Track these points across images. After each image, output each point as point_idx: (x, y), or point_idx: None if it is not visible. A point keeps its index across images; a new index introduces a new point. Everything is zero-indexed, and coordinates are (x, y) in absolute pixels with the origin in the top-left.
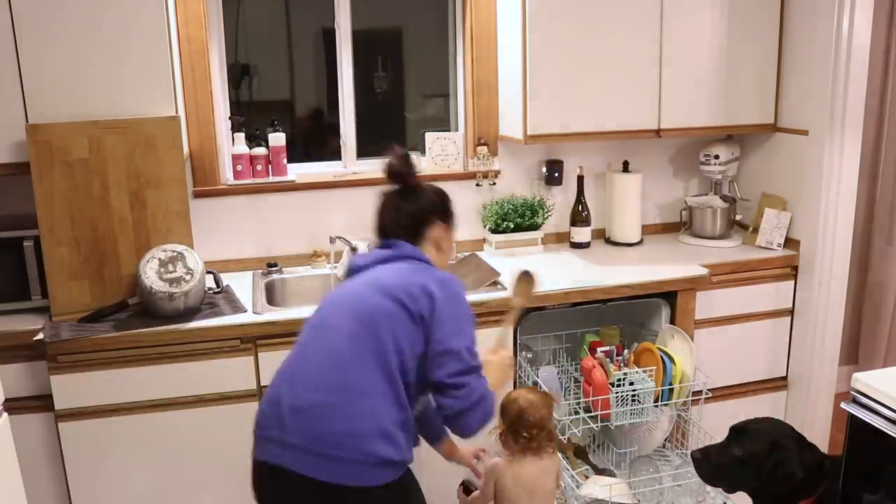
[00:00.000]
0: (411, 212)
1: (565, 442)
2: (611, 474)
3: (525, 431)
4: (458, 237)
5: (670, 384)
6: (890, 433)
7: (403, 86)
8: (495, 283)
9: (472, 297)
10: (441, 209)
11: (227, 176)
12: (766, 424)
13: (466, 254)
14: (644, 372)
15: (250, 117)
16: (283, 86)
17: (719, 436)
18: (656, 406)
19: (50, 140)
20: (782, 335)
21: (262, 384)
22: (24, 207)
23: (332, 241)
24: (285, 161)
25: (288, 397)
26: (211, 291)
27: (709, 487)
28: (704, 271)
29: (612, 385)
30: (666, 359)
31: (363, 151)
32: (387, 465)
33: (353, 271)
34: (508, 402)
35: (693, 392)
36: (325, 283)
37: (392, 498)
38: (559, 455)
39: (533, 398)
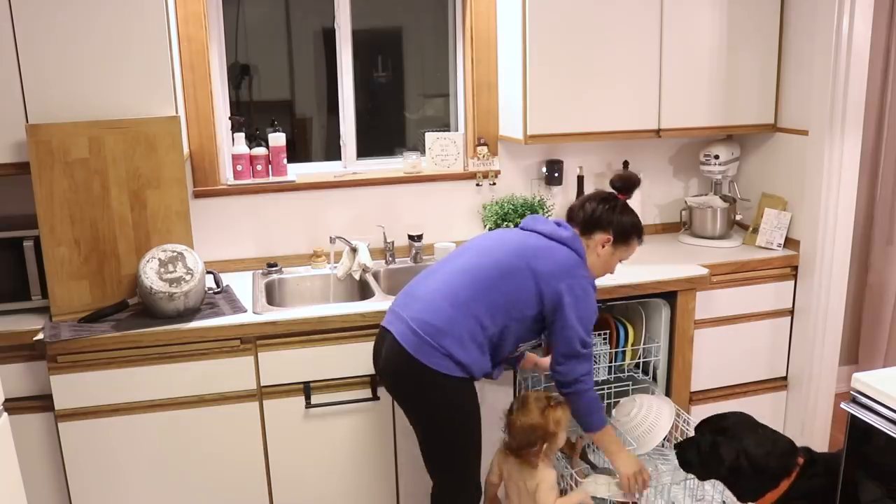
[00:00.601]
0: (593, 211)
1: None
2: (610, 473)
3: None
4: (623, 259)
5: (623, 348)
6: (890, 433)
7: (403, 86)
8: None
9: None
10: (618, 227)
11: (227, 176)
12: (731, 415)
13: None
14: (598, 335)
15: (250, 117)
16: (283, 86)
17: None
18: (610, 366)
19: (50, 140)
20: (782, 335)
21: (262, 384)
22: (24, 207)
23: (332, 241)
24: (285, 161)
25: (420, 287)
26: (211, 291)
27: (707, 486)
28: (704, 271)
29: None
30: (619, 325)
31: (363, 151)
32: (451, 360)
33: (525, 227)
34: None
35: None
36: (324, 283)
37: (447, 387)
38: (551, 468)
39: (531, 407)
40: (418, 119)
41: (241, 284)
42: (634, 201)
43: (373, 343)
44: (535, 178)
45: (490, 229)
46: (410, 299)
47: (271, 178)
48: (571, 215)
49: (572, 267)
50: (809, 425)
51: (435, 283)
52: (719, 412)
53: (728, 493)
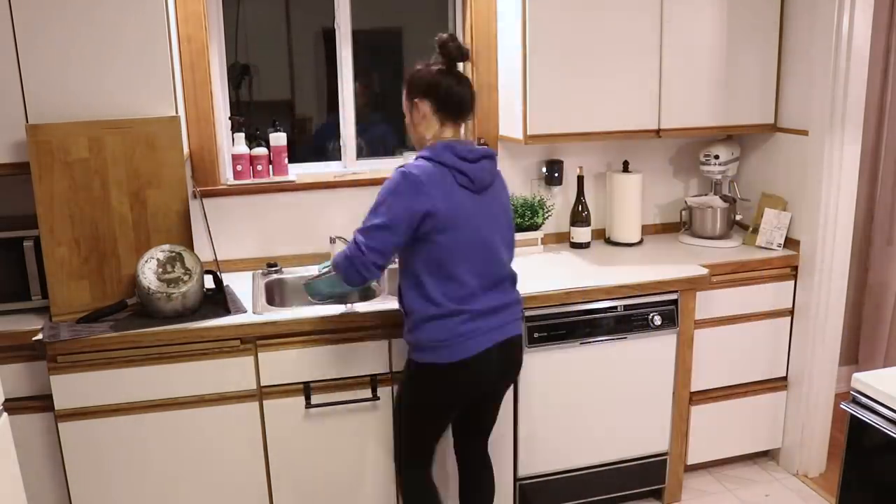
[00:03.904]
0: (473, 92)
1: None
2: None
3: None
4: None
5: None
6: (890, 433)
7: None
8: None
9: None
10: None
11: (227, 176)
12: None
13: None
14: None
15: (250, 117)
16: (283, 86)
17: (720, 434)
18: None
19: (50, 140)
20: (782, 335)
21: (262, 384)
22: (24, 207)
23: (332, 241)
24: (286, 161)
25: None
26: (211, 291)
27: None
28: (704, 271)
29: None
30: None
31: (363, 151)
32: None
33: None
34: None
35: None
36: None
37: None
38: None
39: None
40: None
41: (241, 284)
42: (635, 201)
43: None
44: (535, 178)
45: None
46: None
47: (271, 178)
48: (468, 115)
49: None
50: (809, 425)
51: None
52: None
53: None
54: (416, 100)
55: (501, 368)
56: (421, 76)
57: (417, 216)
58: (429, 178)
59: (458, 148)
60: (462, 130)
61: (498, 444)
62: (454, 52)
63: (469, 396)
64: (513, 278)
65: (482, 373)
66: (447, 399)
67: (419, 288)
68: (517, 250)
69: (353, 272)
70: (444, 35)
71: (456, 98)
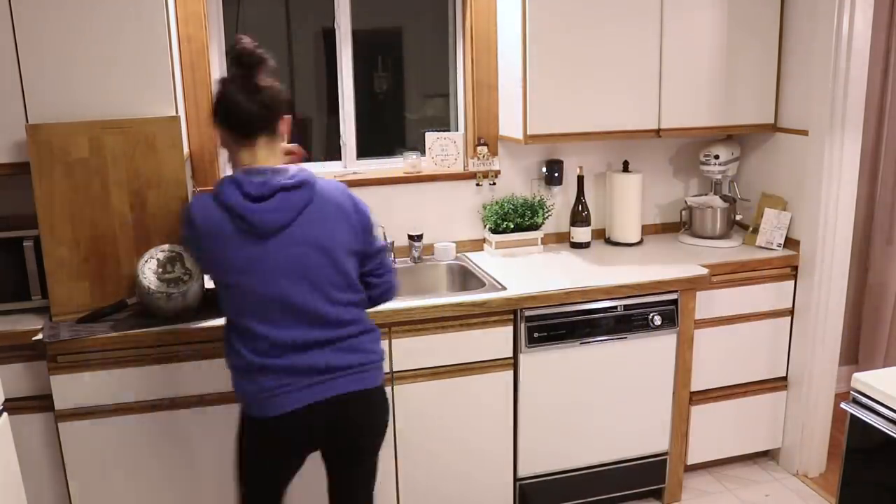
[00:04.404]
0: (270, 102)
1: None
2: None
3: None
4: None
5: None
6: (890, 433)
7: (403, 86)
8: None
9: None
10: (288, 98)
11: None
12: None
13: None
14: None
15: None
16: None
17: (720, 434)
18: None
19: (50, 140)
20: (782, 335)
21: None
22: (24, 207)
23: None
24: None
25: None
26: (211, 291)
27: None
28: (704, 271)
29: None
30: None
31: (363, 151)
32: None
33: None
34: None
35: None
36: None
37: None
38: None
39: None
40: (418, 119)
41: None
42: (635, 201)
43: None
44: (535, 178)
45: (490, 229)
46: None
47: None
48: (252, 128)
49: None
50: (809, 425)
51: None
52: None
53: None
54: (214, 124)
55: (322, 430)
56: (215, 96)
57: (195, 253)
58: (204, 221)
59: (245, 183)
60: (262, 151)
61: (498, 444)
62: (238, 56)
63: (284, 453)
64: (352, 321)
65: (296, 432)
66: (261, 452)
67: (227, 338)
68: (517, 250)
69: None
70: (236, 38)
71: (239, 111)
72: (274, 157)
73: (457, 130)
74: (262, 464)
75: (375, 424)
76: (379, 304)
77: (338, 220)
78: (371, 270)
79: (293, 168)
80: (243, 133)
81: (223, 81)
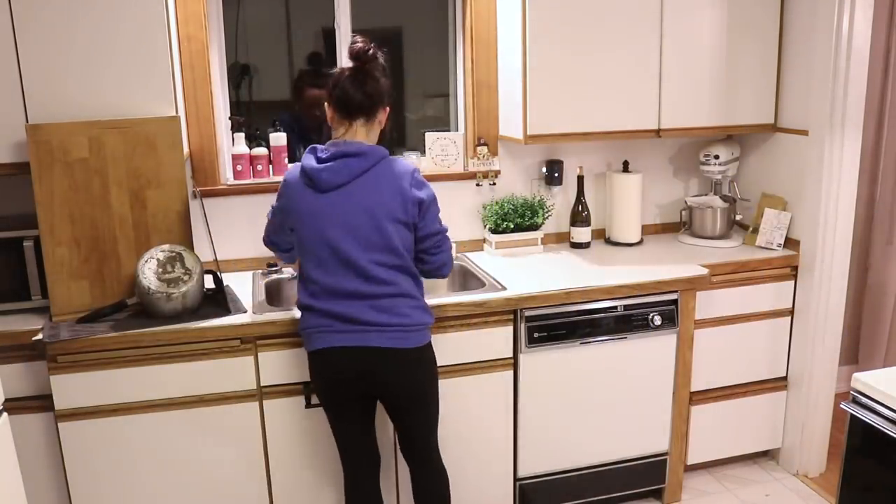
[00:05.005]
0: (372, 93)
1: None
2: None
3: None
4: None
5: None
6: (890, 433)
7: (403, 86)
8: None
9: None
10: (390, 93)
11: (227, 176)
12: None
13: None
14: None
15: (250, 117)
16: (283, 86)
17: (720, 434)
18: None
19: (50, 140)
20: (782, 335)
21: (262, 384)
22: (24, 207)
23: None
24: (286, 161)
25: None
26: (211, 291)
27: None
28: (704, 271)
29: None
30: None
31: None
32: None
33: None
34: None
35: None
36: None
37: None
38: None
39: None
40: (418, 119)
41: (241, 284)
42: (635, 201)
43: None
44: (535, 178)
45: (490, 229)
46: None
47: (272, 178)
48: (352, 110)
49: None
50: (809, 425)
51: None
52: None
53: None
54: (325, 102)
55: (357, 374)
56: (331, 81)
57: (278, 212)
58: (290, 178)
59: (320, 150)
60: (359, 130)
61: (497, 444)
62: (350, 53)
63: (333, 391)
64: (390, 282)
65: (335, 370)
66: (317, 388)
67: (297, 282)
68: (517, 250)
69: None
70: (352, 38)
71: (346, 96)
72: (367, 138)
73: (457, 130)
74: (325, 402)
75: (406, 384)
76: (431, 277)
77: (391, 190)
78: (426, 248)
79: (368, 145)
80: (345, 114)
81: (342, 70)
